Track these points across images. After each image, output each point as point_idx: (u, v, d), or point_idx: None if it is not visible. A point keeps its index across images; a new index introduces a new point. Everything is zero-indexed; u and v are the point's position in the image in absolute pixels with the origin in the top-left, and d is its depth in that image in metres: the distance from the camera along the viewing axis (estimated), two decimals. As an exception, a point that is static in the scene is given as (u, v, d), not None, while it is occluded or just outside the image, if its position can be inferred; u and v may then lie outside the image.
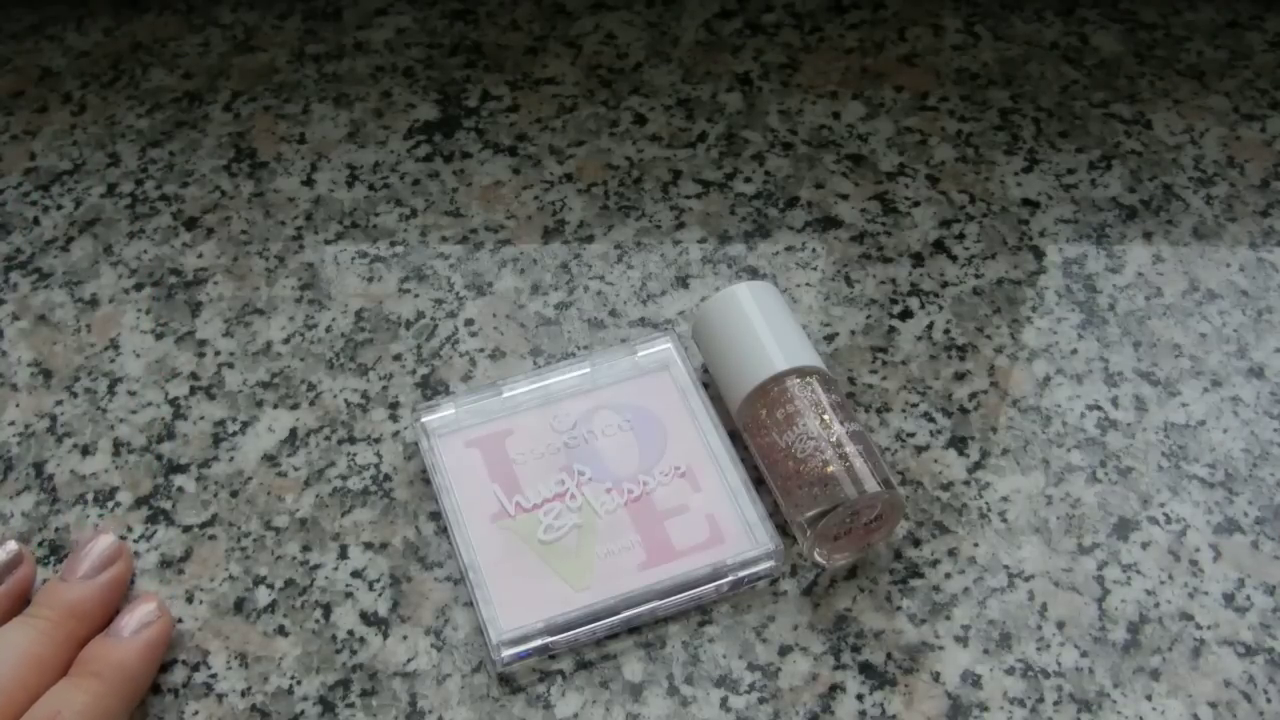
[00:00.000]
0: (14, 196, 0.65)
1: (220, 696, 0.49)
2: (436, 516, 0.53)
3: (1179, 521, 0.53)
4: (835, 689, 0.48)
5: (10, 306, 0.60)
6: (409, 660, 0.49)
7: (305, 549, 0.52)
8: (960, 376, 0.57)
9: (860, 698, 0.48)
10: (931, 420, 0.56)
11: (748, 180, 0.65)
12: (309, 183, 0.65)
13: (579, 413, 0.55)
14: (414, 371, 0.57)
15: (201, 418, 0.56)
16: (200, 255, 0.62)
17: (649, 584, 0.49)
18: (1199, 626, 0.50)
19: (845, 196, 0.64)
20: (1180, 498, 0.53)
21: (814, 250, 0.62)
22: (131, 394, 0.57)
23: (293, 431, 0.56)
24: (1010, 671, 0.49)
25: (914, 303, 0.60)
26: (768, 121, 0.67)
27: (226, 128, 0.68)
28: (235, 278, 0.61)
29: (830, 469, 0.49)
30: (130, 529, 0.53)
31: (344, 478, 0.54)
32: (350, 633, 0.50)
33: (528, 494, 0.52)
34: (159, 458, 0.55)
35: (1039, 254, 0.61)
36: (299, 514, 0.53)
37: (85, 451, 0.55)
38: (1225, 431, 0.55)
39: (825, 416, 0.50)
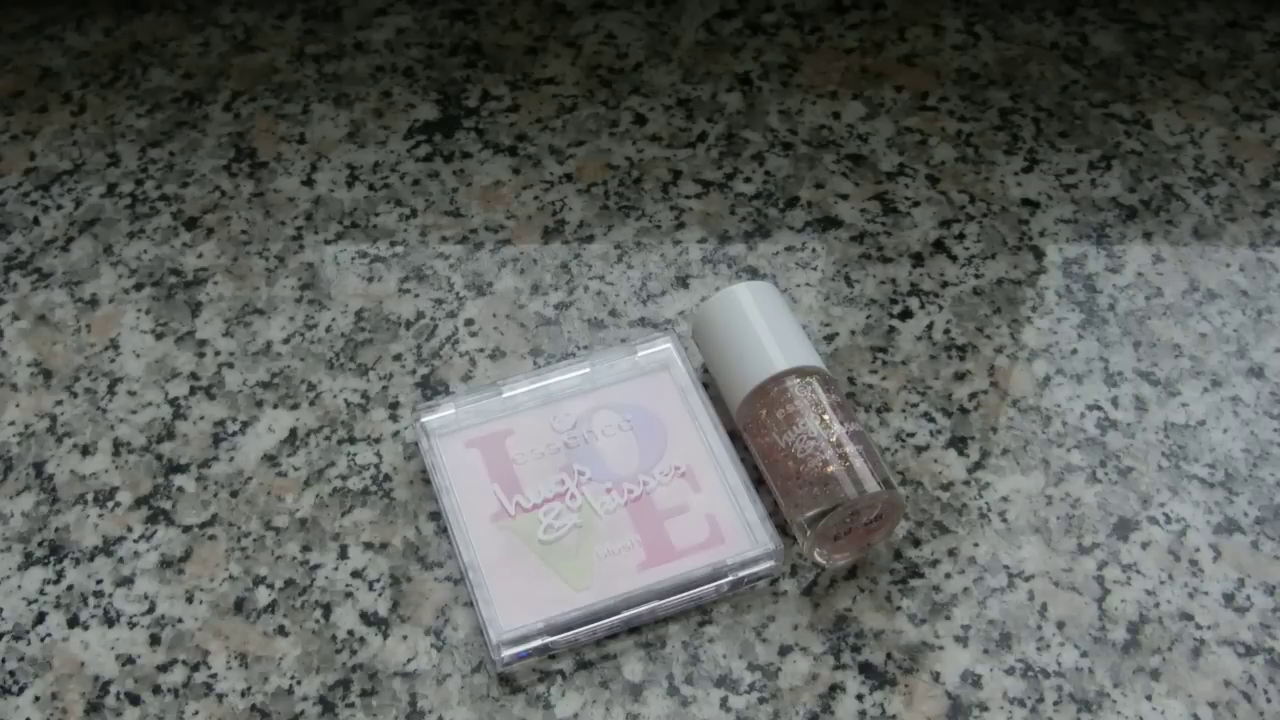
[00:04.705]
0: (14, 196, 0.65)
1: (220, 696, 0.49)
2: (436, 516, 0.53)
3: (1179, 521, 0.53)
4: (835, 689, 0.48)
5: (10, 306, 0.60)
6: (409, 660, 0.49)
7: (305, 549, 0.52)
8: (960, 376, 0.57)
9: (860, 698, 0.48)
10: (931, 420, 0.56)
11: (748, 180, 0.65)
12: (309, 183, 0.65)
13: (579, 413, 0.55)
14: (414, 371, 0.57)
15: (201, 418, 0.56)
16: (200, 255, 0.62)
17: (649, 584, 0.49)
18: (1199, 626, 0.50)
19: (845, 196, 0.64)
20: (1180, 498, 0.53)
21: (814, 250, 0.62)
22: (131, 394, 0.57)
23: (293, 431, 0.56)
24: (1010, 671, 0.49)
25: (914, 303, 0.60)
26: (768, 121, 0.67)
27: (226, 128, 0.68)
28: (235, 278, 0.61)
29: (830, 469, 0.49)
30: (130, 529, 0.53)
31: (344, 478, 0.54)
32: (350, 633, 0.50)
33: (528, 494, 0.52)
34: (159, 458, 0.55)
35: (1039, 254, 0.61)
36: (299, 514, 0.53)
37: (85, 451, 0.55)
38: (1225, 431, 0.55)
39: (825, 416, 0.50)
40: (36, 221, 0.64)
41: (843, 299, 0.60)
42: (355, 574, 0.51)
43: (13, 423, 0.56)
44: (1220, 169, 0.65)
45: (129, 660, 0.50)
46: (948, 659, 0.49)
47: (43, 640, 0.50)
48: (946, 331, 0.59)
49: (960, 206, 0.63)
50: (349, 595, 0.51)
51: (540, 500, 0.52)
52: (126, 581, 0.52)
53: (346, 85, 0.69)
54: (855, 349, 0.58)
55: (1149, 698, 0.48)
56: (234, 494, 0.54)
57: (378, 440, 0.55)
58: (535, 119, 0.67)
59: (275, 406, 0.56)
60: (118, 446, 0.55)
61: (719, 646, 0.49)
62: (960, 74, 0.69)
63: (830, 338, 0.58)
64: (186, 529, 0.53)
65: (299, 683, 0.49)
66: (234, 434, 0.56)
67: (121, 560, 0.52)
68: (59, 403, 0.57)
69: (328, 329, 0.59)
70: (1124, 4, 0.73)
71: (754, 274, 0.61)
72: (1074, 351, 0.58)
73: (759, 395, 0.51)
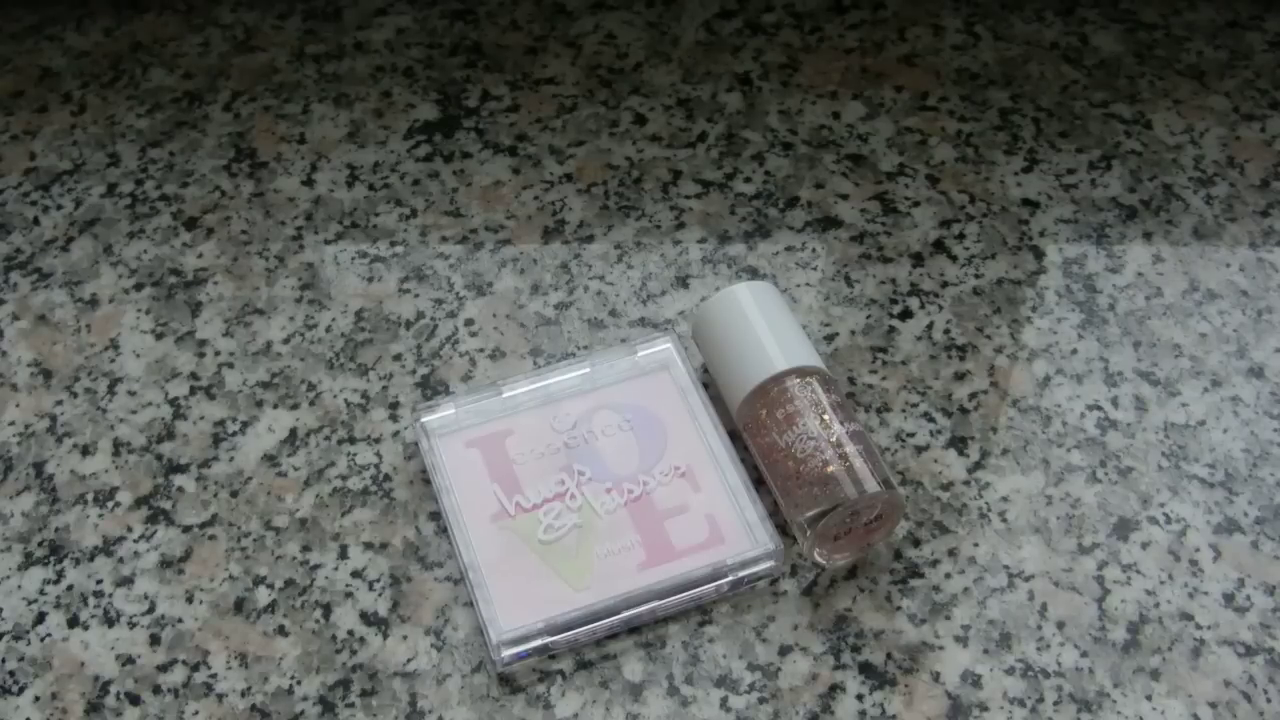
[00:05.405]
0: (14, 196, 0.65)
1: (220, 696, 0.49)
2: (436, 516, 0.53)
3: (1179, 521, 0.53)
4: (835, 689, 0.48)
5: (10, 306, 0.60)
6: (409, 660, 0.49)
7: (305, 549, 0.52)
8: (960, 376, 0.57)
9: (860, 698, 0.48)
10: (931, 420, 0.56)
11: (748, 180, 0.65)
12: (309, 183, 0.65)
13: (579, 413, 0.55)
14: (414, 371, 0.57)
15: (201, 418, 0.56)
16: (200, 255, 0.62)
17: (649, 584, 0.49)
18: (1199, 626, 0.50)
19: (845, 196, 0.64)
20: (1180, 498, 0.53)
21: (814, 250, 0.62)
22: (131, 394, 0.57)
23: (293, 431, 0.56)
24: (1010, 671, 0.49)
25: (914, 303, 0.60)
26: (768, 121, 0.67)
27: (226, 128, 0.68)
28: (235, 278, 0.61)
29: (830, 469, 0.49)
30: (130, 529, 0.53)
31: (344, 478, 0.54)
32: (350, 633, 0.50)
33: (528, 494, 0.52)
34: (159, 458, 0.55)
35: (1039, 254, 0.61)
36: (299, 514, 0.53)
37: (85, 451, 0.55)
38: (1225, 431, 0.55)
39: (825, 416, 0.50)
40: (36, 221, 0.64)
41: (843, 299, 0.60)
42: (355, 574, 0.51)
43: (13, 423, 0.56)
44: (1220, 169, 0.65)
45: (129, 660, 0.50)
46: (948, 659, 0.49)
47: (43, 640, 0.50)
48: (946, 331, 0.59)
49: (960, 206, 0.63)
50: (349, 595, 0.51)
51: (540, 500, 0.52)
52: (126, 581, 0.52)
53: (346, 85, 0.69)
54: (855, 349, 0.58)
55: (1149, 698, 0.48)
56: (234, 494, 0.54)
57: (378, 440, 0.55)
58: (535, 119, 0.67)
59: (275, 406, 0.56)
60: (118, 446, 0.55)
61: (719, 646, 0.49)
62: (960, 74, 0.69)
63: (830, 338, 0.58)
64: (186, 529, 0.53)
65: (299, 683, 0.49)
66: (234, 434, 0.56)
67: (121, 560, 0.52)
68: (59, 403, 0.57)
69: (328, 329, 0.59)
70: (1124, 4, 0.73)
71: (754, 274, 0.61)
72: (1074, 351, 0.58)
73: (759, 395, 0.51)
